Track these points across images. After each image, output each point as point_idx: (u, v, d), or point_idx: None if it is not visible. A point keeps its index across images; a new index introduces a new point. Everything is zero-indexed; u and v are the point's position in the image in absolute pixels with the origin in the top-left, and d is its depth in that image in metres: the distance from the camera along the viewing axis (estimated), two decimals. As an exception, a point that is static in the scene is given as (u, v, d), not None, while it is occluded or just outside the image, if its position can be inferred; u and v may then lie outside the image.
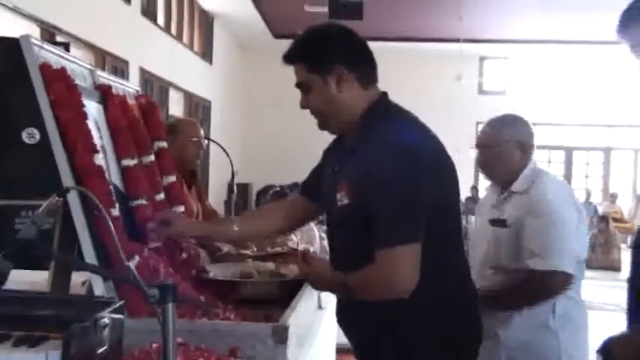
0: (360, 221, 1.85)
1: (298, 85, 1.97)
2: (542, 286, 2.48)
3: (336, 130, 2.03)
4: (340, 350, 3.06)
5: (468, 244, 2.87)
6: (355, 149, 1.92)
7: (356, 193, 1.87)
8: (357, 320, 2.03)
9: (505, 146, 2.63)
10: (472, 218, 13.15)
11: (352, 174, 1.90)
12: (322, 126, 2.00)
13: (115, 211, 2.00)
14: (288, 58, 1.95)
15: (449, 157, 1.97)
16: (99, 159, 1.99)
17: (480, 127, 2.84)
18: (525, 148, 2.65)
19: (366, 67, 1.97)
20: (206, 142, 3.38)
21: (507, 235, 2.56)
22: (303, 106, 1.98)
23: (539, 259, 2.45)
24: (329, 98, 1.91)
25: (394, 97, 2.02)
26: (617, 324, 1.86)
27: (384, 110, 1.95)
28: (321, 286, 2.11)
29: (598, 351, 1.70)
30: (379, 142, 1.85)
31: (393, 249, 1.78)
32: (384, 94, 1.99)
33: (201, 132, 3.36)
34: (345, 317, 2.11)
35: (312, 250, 3.42)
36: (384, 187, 1.79)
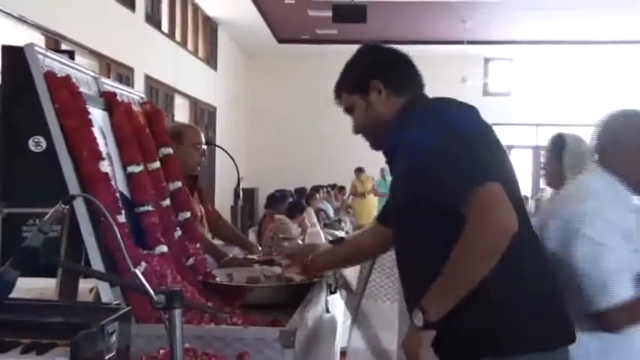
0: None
1: (347, 110, 1.98)
2: None
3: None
4: (345, 353, 3.05)
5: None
6: None
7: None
8: None
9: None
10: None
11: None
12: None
13: (121, 218, 2.00)
14: (335, 93, 1.99)
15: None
16: (104, 166, 2.00)
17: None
18: None
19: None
20: (205, 147, 3.41)
21: None
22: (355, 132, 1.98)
23: None
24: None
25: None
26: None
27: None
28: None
29: None
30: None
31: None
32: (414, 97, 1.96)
33: (203, 138, 3.39)
34: None
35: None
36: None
